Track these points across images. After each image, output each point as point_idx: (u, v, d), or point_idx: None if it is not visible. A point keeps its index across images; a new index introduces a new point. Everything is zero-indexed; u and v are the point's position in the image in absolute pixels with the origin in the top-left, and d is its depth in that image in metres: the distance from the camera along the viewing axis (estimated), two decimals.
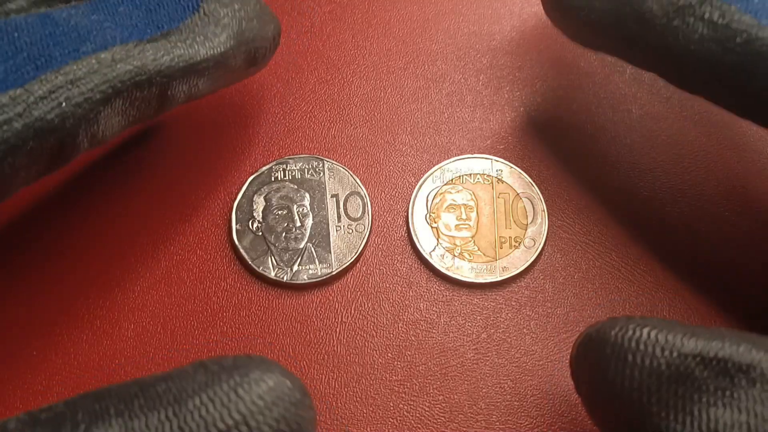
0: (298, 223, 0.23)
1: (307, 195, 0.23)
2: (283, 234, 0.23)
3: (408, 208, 0.23)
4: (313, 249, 0.22)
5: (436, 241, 0.23)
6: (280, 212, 0.23)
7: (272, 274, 0.22)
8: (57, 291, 0.22)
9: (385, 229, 0.23)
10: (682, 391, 0.15)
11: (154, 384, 0.15)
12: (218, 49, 0.19)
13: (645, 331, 0.16)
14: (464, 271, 0.22)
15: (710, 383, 0.15)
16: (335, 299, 0.22)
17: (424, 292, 0.22)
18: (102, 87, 0.17)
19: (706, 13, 0.18)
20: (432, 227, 0.23)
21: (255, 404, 0.14)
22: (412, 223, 0.23)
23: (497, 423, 0.21)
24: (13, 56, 0.17)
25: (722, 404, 0.15)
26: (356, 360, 0.22)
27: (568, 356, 0.19)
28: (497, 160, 0.24)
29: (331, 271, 0.22)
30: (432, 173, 0.24)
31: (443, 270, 0.22)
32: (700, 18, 0.18)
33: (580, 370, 0.17)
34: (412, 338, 0.22)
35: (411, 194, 0.23)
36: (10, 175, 0.17)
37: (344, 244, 0.23)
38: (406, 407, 0.21)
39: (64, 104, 0.17)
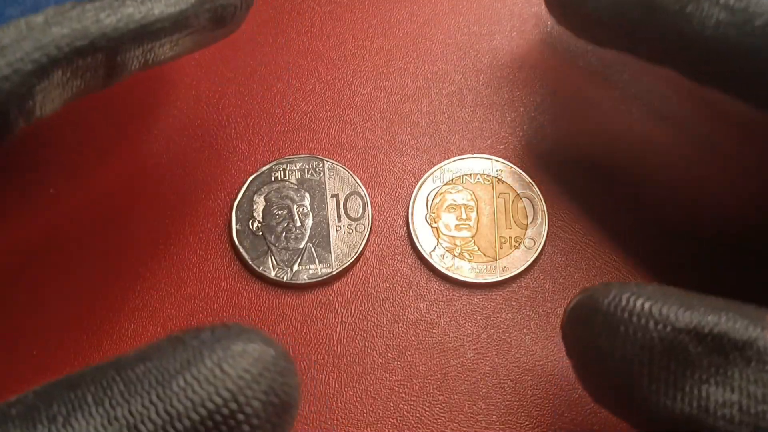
0: (298, 223, 0.23)
1: (307, 195, 0.23)
2: (283, 234, 0.23)
3: (408, 208, 0.23)
4: (313, 249, 0.22)
5: (436, 241, 0.23)
6: (280, 212, 0.23)
7: (272, 274, 0.22)
8: (57, 291, 0.22)
9: (385, 229, 0.23)
10: (674, 366, 0.15)
11: (132, 365, 0.14)
12: (176, 7, 0.17)
13: (639, 302, 0.15)
14: (464, 271, 0.22)
15: (704, 360, 0.15)
16: (335, 299, 0.22)
17: (424, 292, 0.22)
18: (34, 55, 0.15)
19: None
20: (432, 227, 0.23)
21: (242, 378, 0.13)
22: (412, 223, 0.23)
23: (497, 423, 0.21)
24: None
25: (715, 382, 0.15)
26: (356, 360, 0.22)
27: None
28: (497, 160, 0.24)
29: (331, 271, 0.22)
30: (432, 173, 0.24)
31: (443, 270, 0.22)
32: (716, 3, 0.17)
33: (572, 335, 0.17)
34: (412, 338, 0.22)
35: (411, 194, 0.23)
36: None
37: (344, 244, 0.23)
38: (406, 407, 0.21)
39: None
